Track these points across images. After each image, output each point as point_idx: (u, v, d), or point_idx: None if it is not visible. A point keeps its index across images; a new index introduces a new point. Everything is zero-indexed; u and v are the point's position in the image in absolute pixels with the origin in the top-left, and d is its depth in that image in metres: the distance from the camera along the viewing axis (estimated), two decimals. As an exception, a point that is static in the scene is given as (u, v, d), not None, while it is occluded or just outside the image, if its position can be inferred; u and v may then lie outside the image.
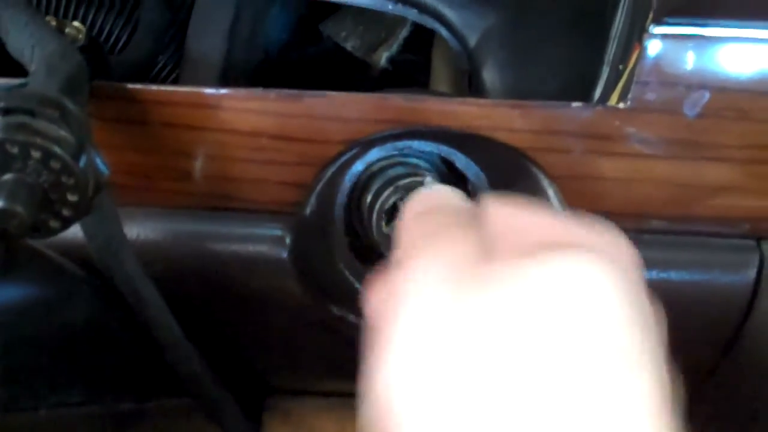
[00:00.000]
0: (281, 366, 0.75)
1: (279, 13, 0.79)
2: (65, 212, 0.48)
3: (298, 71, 0.83)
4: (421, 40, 0.79)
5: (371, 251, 0.67)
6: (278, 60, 0.81)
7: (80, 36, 0.71)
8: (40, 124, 0.47)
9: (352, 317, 0.65)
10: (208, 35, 0.73)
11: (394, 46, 0.80)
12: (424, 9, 0.69)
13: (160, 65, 0.77)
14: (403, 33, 0.79)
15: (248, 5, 0.74)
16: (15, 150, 0.46)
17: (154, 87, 0.59)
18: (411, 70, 0.82)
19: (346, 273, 0.65)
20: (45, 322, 0.52)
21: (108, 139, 0.59)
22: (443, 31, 0.70)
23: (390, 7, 0.69)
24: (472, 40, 0.69)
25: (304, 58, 0.85)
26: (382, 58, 0.79)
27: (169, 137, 0.59)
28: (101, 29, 0.76)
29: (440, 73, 0.79)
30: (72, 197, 0.48)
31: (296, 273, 0.61)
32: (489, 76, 0.68)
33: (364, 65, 0.80)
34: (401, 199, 0.62)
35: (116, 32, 0.77)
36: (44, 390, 0.48)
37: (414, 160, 0.65)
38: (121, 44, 0.76)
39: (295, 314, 0.64)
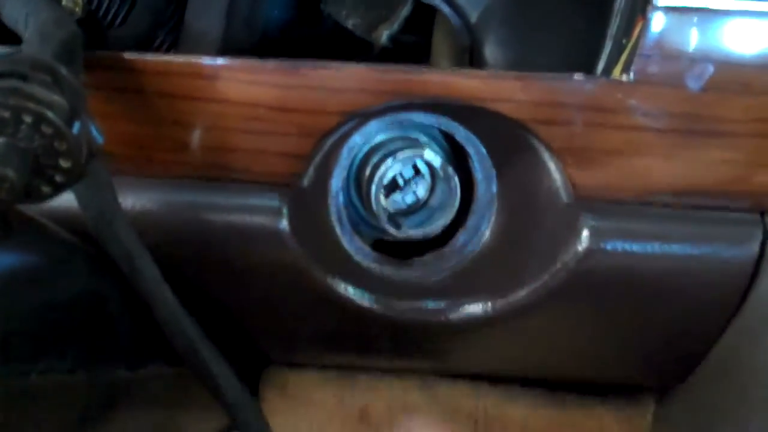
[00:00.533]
0: (278, 338, 0.74)
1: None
2: (57, 178, 0.48)
3: (298, 50, 0.82)
4: (422, 19, 0.78)
5: (370, 224, 0.66)
6: (278, 39, 0.80)
7: (77, 9, 0.71)
8: (33, 88, 0.46)
9: (350, 289, 0.65)
10: (207, 13, 0.72)
11: (396, 24, 0.79)
12: (426, -15, 0.69)
13: (158, 42, 0.77)
14: (405, 11, 0.78)
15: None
16: (6, 114, 0.45)
17: (150, 56, 0.58)
18: (412, 50, 0.82)
19: (344, 245, 0.64)
20: (38, 289, 0.51)
21: (104, 108, 0.58)
22: (444, 8, 0.69)
23: (391, -17, 0.69)
24: (474, 16, 0.68)
25: (305, 36, 0.84)
26: (383, 36, 0.78)
27: (166, 107, 0.59)
28: (100, 4, 0.75)
29: (441, 51, 0.78)
30: (64, 163, 0.47)
31: (294, 244, 0.61)
32: (491, 51, 0.68)
33: (365, 44, 0.79)
34: (400, 172, 0.62)
35: (115, 8, 0.76)
36: (35, 355, 0.48)
37: (414, 134, 0.64)
38: (119, 20, 0.75)
39: (292, 286, 0.64)
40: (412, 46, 0.80)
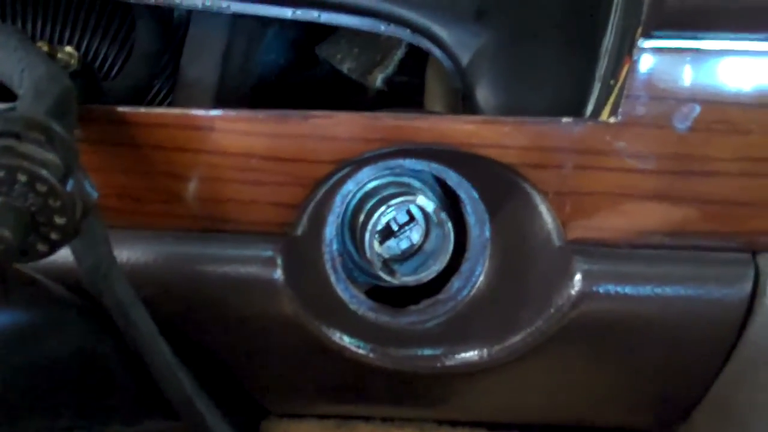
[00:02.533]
0: (275, 388, 0.74)
1: (274, 38, 0.80)
2: (53, 235, 0.48)
3: (294, 94, 0.83)
4: (416, 61, 0.79)
5: (364, 271, 0.66)
6: (275, 84, 0.81)
7: (73, 61, 0.71)
8: (27, 148, 0.47)
9: (345, 338, 0.65)
10: (202, 60, 0.73)
11: (390, 68, 0.79)
12: (416, 29, 0.69)
13: (155, 90, 0.77)
14: (398, 54, 0.78)
15: (242, 31, 0.74)
16: (1, 173, 0.46)
17: (143, 109, 0.59)
18: (406, 91, 0.82)
19: (339, 294, 0.64)
20: (34, 347, 0.51)
21: (98, 161, 0.59)
22: (436, 51, 0.70)
23: (383, 28, 0.69)
24: (465, 59, 0.69)
25: (301, 81, 0.85)
26: (378, 79, 0.79)
27: (160, 159, 0.59)
28: (95, 55, 0.76)
29: (434, 93, 0.79)
30: (59, 220, 0.48)
31: (288, 294, 0.61)
32: (482, 94, 0.68)
33: (360, 87, 0.80)
34: (394, 218, 0.62)
35: (111, 58, 0.77)
36: (32, 414, 0.48)
37: (407, 180, 0.64)
38: (115, 70, 0.76)
39: (287, 335, 0.63)
40: (407, 87, 0.81)
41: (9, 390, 0.47)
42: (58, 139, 0.48)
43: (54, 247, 0.49)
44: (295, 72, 0.84)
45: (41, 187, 0.46)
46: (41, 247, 0.48)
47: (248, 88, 0.77)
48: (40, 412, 0.49)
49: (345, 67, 0.80)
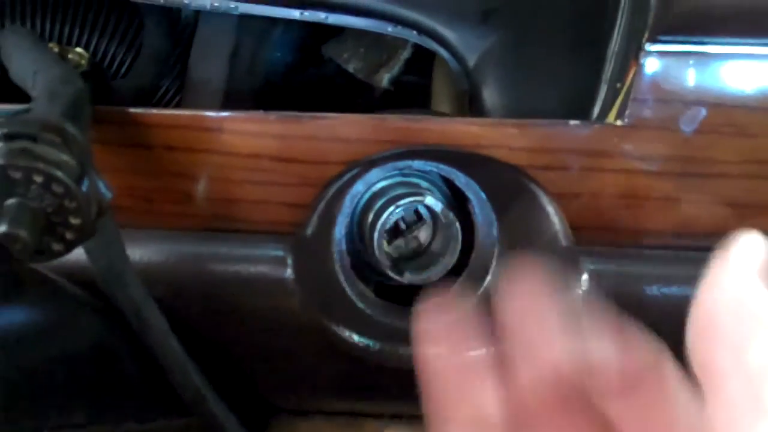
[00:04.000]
0: (285, 386, 0.74)
1: (280, 38, 0.80)
2: (68, 235, 0.49)
3: (301, 94, 0.84)
4: (422, 61, 0.79)
5: (373, 270, 0.67)
6: (281, 83, 0.81)
7: (83, 62, 0.72)
8: (42, 149, 0.47)
9: (354, 336, 0.65)
10: (210, 61, 0.74)
11: (396, 68, 0.80)
12: (423, 30, 0.70)
13: (162, 90, 0.78)
14: (405, 54, 0.79)
15: (249, 31, 0.74)
16: (18, 175, 0.46)
17: (155, 111, 0.59)
18: (413, 92, 0.83)
19: (348, 293, 0.65)
20: (48, 344, 0.52)
21: (110, 162, 0.59)
22: (443, 52, 0.71)
23: (390, 29, 0.70)
24: (472, 61, 0.69)
25: (307, 81, 0.86)
26: (384, 79, 0.79)
27: (171, 160, 0.60)
28: (104, 55, 0.76)
29: (441, 94, 0.79)
30: (75, 220, 0.48)
31: (298, 292, 0.61)
32: (489, 95, 0.69)
33: (366, 87, 0.81)
34: (402, 218, 0.63)
35: (119, 58, 0.77)
36: (46, 412, 0.48)
37: (415, 180, 0.65)
38: (124, 70, 0.76)
39: (297, 334, 0.64)
40: (413, 87, 0.82)
41: (24, 386, 0.48)
42: (73, 140, 0.49)
43: (69, 247, 0.49)
44: (301, 71, 0.84)
45: (57, 188, 0.47)
46: (57, 247, 0.49)
47: (256, 88, 0.77)
48: (56, 409, 0.49)
49: (351, 67, 0.80)
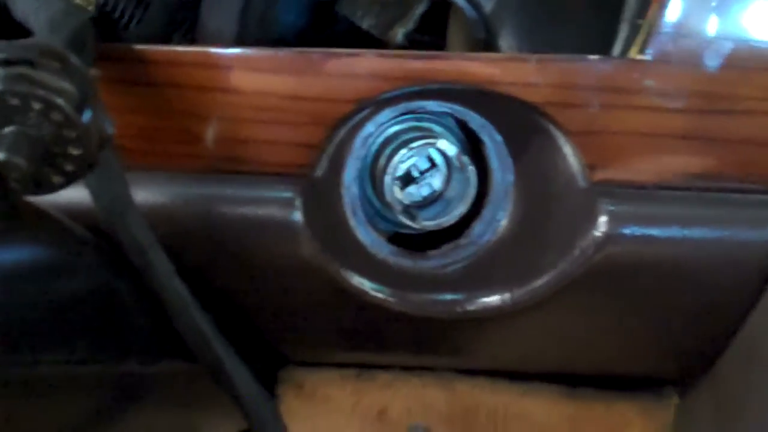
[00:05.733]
0: (294, 336, 0.73)
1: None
2: (68, 167, 0.47)
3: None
4: (437, 18, 0.78)
5: (385, 218, 0.66)
6: (293, 40, 0.80)
7: (90, 8, 0.71)
8: (41, 75, 0.46)
9: (365, 282, 0.64)
10: (221, 13, 0.72)
11: (410, 23, 0.78)
12: (438, -23, 0.68)
13: (173, 44, 0.77)
14: (420, 9, 0.77)
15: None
16: (15, 101, 0.45)
17: (162, 47, 0.58)
18: (428, 49, 0.81)
19: (359, 237, 0.63)
20: (47, 280, 0.51)
21: (115, 101, 0.58)
22: (459, 0, 0.69)
23: (403, -25, 0.68)
24: (488, 6, 0.67)
25: (320, 39, 0.84)
26: (399, 34, 0.78)
27: (177, 99, 0.58)
28: (115, 5, 0.75)
29: (456, 44, 0.78)
30: (74, 151, 0.47)
31: (307, 236, 0.60)
32: (506, 42, 0.67)
33: (380, 45, 0.79)
34: (415, 164, 0.61)
35: (130, 9, 0.76)
36: (44, 346, 0.47)
37: (428, 125, 0.63)
38: (135, 21, 0.75)
39: (306, 279, 0.63)
40: (428, 46, 0.80)
41: (20, 321, 0.46)
42: (74, 68, 0.48)
43: (69, 178, 0.48)
44: (314, 29, 0.83)
45: (56, 116, 0.46)
46: (56, 179, 0.48)
47: (267, 42, 0.76)
48: (55, 344, 0.48)
49: (366, 24, 0.79)
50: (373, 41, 0.78)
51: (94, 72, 0.57)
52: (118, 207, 0.54)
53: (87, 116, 0.47)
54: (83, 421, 0.52)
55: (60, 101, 0.46)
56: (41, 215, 0.54)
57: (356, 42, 0.78)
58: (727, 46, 0.54)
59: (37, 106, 0.45)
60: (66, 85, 0.46)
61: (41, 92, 0.45)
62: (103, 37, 0.69)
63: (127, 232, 0.55)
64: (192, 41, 0.75)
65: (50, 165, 0.47)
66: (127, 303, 0.57)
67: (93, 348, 0.51)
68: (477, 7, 0.69)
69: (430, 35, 0.80)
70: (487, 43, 0.70)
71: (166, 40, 0.76)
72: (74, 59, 0.48)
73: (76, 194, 0.55)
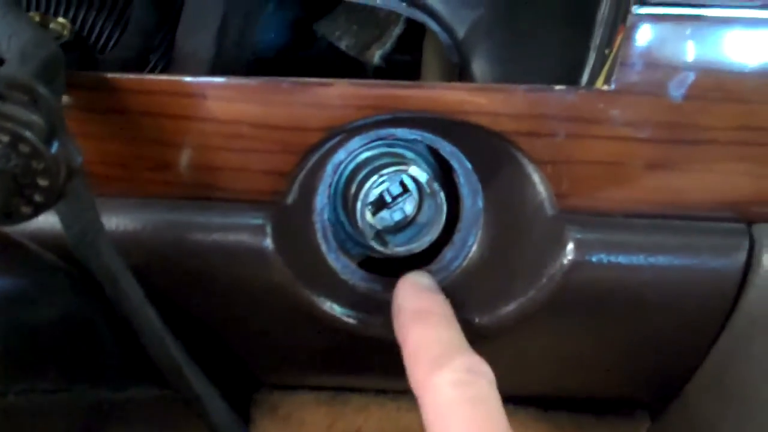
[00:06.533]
0: (266, 359, 0.73)
1: (271, 15, 0.79)
2: (37, 198, 0.48)
3: (291, 72, 0.83)
4: (414, 40, 0.78)
5: (356, 243, 0.66)
6: (271, 61, 0.80)
7: (65, 32, 0.71)
8: (9, 108, 0.46)
9: (336, 307, 0.64)
10: (198, 36, 0.72)
11: (388, 44, 0.79)
12: (412, 2, 0.69)
13: (150, 66, 0.77)
14: (397, 30, 0.78)
15: (238, 7, 0.73)
16: (-18, 135, 0.45)
17: (132, 76, 0.58)
18: (404, 71, 0.82)
19: (330, 263, 0.64)
20: (17, 309, 0.51)
21: (86, 128, 0.58)
22: (432, 24, 0.69)
23: (378, 1, 0.69)
24: (461, 32, 0.68)
25: (298, 58, 0.85)
26: (376, 56, 0.79)
27: (149, 127, 0.58)
28: (91, 29, 0.75)
29: (431, 67, 0.78)
30: (43, 182, 0.47)
31: (278, 262, 0.60)
32: (478, 67, 0.68)
33: (358, 65, 0.80)
34: (386, 189, 0.61)
35: (106, 32, 0.76)
36: (13, 375, 0.47)
37: (400, 150, 0.64)
38: (111, 44, 0.75)
39: (277, 305, 0.63)
40: (405, 65, 0.81)
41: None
42: (43, 100, 0.48)
43: (38, 209, 0.48)
44: (291, 49, 0.83)
45: (24, 148, 0.46)
46: (25, 210, 0.48)
47: (244, 64, 0.76)
48: (24, 374, 0.48)
49: (343, 44, 0.79)
50: (353, 59, 0.78)
51: (65, 100, 0.58)
52: (89, 235, 0.54)
53: (55, 147, 0.47)
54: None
55: (28, 134, 0.46)
56: (11, 243, 0.55)
57: (337, 60, 0.79)
58: (691, 77, 0.54)
59: (5, 138, 0.46)
60: (34, 118, 0.47)
61: (9, 125, 0.45)
62: (80, 60, 0.70)
63: (97, 260, 0.55)
64: (169, 63, 0.75)
65: (20, 196, 0.47)
66: (98, 330, 0.57)
67: (64, 376, 0.51)
68: (450, 32, 0.70)
69: (408, 54, 0.81)
70: (461, 68, 0.71)
71: (143, 62, 0.76)
72: (43, 91, 0.48)
73: (47, 221, 0.55)
